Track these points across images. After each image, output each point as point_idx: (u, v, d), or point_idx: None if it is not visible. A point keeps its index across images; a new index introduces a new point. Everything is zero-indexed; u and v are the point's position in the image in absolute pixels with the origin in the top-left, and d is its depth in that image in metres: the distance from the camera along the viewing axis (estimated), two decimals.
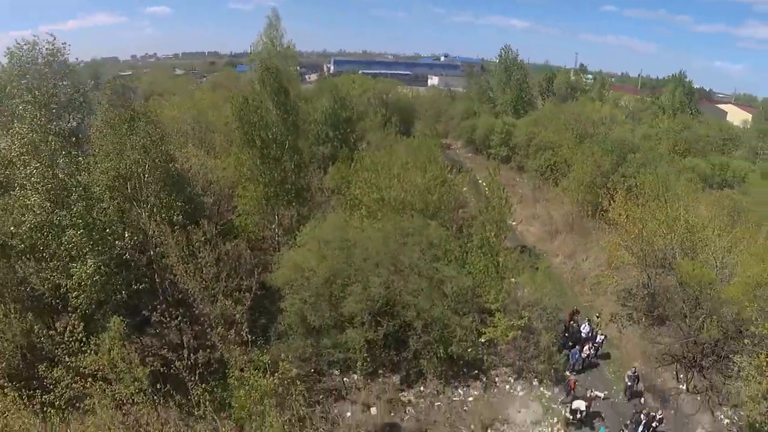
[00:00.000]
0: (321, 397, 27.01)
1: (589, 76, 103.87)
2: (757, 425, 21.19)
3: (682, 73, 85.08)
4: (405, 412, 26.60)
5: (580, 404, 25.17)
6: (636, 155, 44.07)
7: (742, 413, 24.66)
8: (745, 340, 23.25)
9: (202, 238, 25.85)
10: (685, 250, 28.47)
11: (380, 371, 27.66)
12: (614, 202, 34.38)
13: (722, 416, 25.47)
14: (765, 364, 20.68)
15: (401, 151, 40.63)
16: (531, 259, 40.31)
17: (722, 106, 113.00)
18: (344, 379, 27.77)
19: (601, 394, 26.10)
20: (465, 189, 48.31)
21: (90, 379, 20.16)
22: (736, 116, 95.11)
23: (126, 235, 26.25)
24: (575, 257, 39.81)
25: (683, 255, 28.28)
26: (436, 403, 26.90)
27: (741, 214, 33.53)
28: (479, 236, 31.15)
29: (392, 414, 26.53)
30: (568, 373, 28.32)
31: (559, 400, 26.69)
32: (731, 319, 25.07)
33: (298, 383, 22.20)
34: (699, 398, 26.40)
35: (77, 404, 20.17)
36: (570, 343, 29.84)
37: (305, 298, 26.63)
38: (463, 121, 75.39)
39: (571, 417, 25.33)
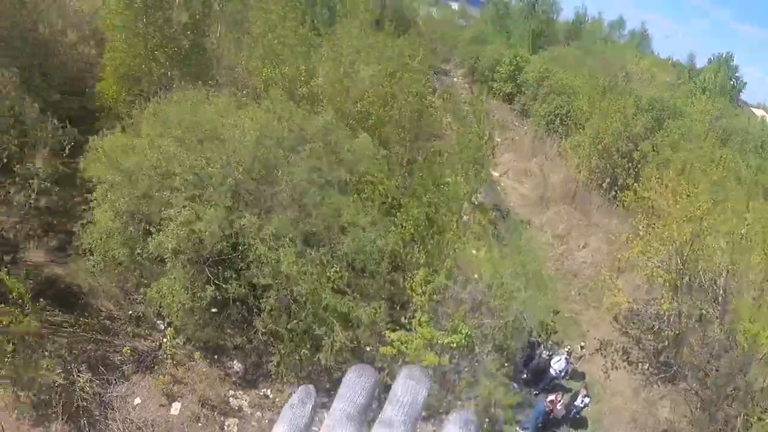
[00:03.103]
0: (119, 358, 15.94)
1: (626, 32, 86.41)
2: None
3: (729, 56, 71.07)
4: (223, 428, 15.58)
5: None
6: (678, 122, 32.20)
7: None
8: None
9: None
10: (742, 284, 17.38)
11: (217, 344, 16.45)
12: (643, 180, 23.21)
13: None
14: None
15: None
16: (507, 227, 29.32)
17: (755, 110, 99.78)
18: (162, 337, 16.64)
19: None
20: (447, 118, 36.71)
21: None
22: None
23: None
24: (569, 240, 28.44)
25: (738, 290, 17.27)
26: None
27: None
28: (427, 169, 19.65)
29: (200, 424, 15.55)
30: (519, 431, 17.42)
31: None
32: None
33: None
34: None
35: None
36: (526, 375, 18.98)
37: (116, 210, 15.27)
38: (469, 46, 62.16)
39: None
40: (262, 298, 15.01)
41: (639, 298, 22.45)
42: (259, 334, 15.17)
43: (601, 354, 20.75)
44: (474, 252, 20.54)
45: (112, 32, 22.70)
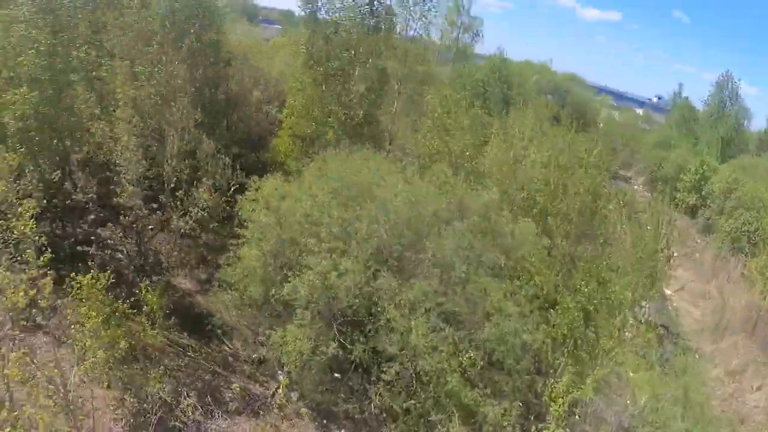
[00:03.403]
0: (229, 395, 15.47)
1: None
2: None
3: None
4: None
5: None
6: None
7: None
8: None
9: None
10: None
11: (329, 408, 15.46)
12: None
13: None
14: None
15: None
16: (673, 351, 25.62)
17: None
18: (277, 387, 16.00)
19: None
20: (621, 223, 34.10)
21: None
22: None
23: None
24: (742, 379, 24.10)
25: None
26: None
27: None
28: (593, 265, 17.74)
29: None
30: None
31: None
32: None
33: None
34: None
35: None
36: None
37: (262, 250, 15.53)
38: (652, 150, 58.52)
39: None
40: (385, 368, 13.88)
41: None
42: (373, 406, 13.96)
43: None
44: (631, 373, 17.91)
45: (293, 95, 24.22)
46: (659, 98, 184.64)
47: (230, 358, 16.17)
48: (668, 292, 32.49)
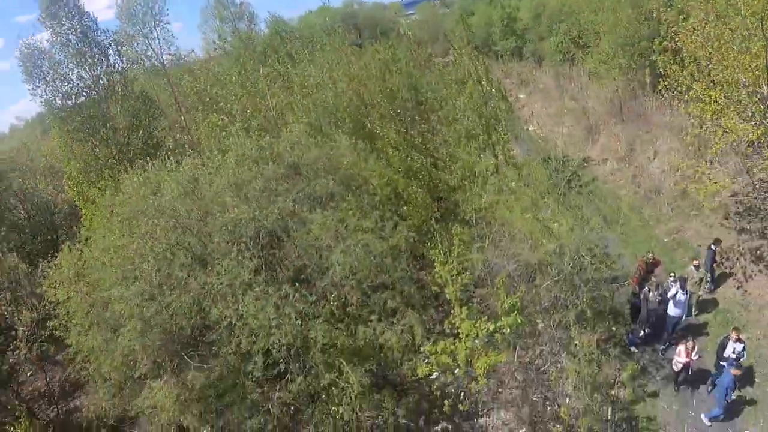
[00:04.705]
0: None
1: None
2: None
3: None
4: None
5: None
6: None
7: None
8: None
9: None
10: None
11: None
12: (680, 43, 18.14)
13: None
14: None
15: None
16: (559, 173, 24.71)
17: None
18: None
19: None
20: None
21: None
22: None
23: None
24: (635, 158, 23.68)
25: None
26: None
27: None
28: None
29: None
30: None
31: None
32: None
33: None
34: None
35: None
36: (643, 332, 14.43)
37: None
38: (458, 26, 58.57)
39: None
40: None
41: (743, 183, 17.60)
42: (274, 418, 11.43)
43: (722, 266, 15.93)
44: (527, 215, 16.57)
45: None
46: None
47: None
48: (531, 128, 32.04)
